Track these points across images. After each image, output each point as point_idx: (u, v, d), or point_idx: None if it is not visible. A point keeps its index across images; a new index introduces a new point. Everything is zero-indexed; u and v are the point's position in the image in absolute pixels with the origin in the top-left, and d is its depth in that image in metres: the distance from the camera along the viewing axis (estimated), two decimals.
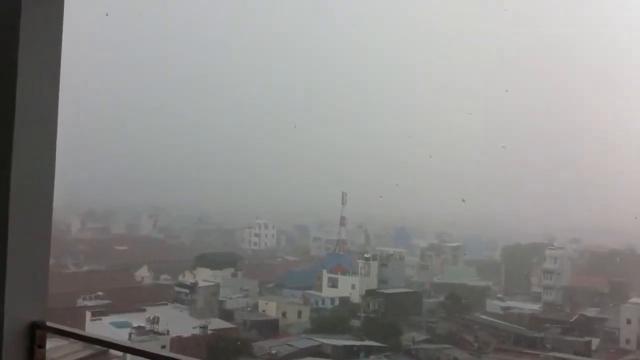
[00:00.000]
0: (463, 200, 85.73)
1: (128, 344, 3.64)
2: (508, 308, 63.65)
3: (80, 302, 53.77)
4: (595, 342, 52.70)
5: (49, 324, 3.96)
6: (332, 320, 56.31)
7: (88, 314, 47.68)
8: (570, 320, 58.27)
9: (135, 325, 45.78)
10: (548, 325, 56.20)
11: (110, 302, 53.23)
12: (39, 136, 4.12)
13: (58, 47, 4.25)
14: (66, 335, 3.94)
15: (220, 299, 59.43)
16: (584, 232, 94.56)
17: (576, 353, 49.65)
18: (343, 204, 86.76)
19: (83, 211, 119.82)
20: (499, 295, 72.21)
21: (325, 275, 70.28)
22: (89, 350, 29.62)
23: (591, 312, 61.79)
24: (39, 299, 4.08)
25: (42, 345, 3.93)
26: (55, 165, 4.24)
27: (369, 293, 64.61)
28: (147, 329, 45.43)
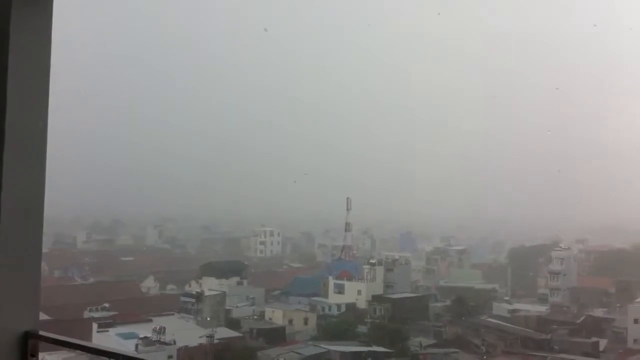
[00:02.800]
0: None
1: (117, 350, 3.70)
2: (515, 310, 63.49)
3: (87, 314, 53.83)
4: (603, 342, 52.48)
5: (41, 333, 4.01)
6: (338, 326, 56.18)
7: (95, 326, 47.70)
8: (578, 322, 58.09)
9: (141, 336, 45.73)
10: (555, 326, 56.04)
11: (116, 313, 53.22)
12: (29, 147, 4.18)
13: (47, 58, 4.30)
14: (58, 344, 3.99)
15: (226, 307, 59.42)
16: (589, 232, 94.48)
17: (584, 354, 49.41)
18: (348, 209, 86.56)
19: (88, 224, 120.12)
20: (505, 298, 72.06)
21: (332, 282, 70.22)
22: None
23: (598, 312, 61.62)
24: (31, 308, 4.14)
25: (34, 354, 3.98)
26: (45, 176, 4.29)
27: (375, 298, 64.52)
28: (153, 340, 45.36)
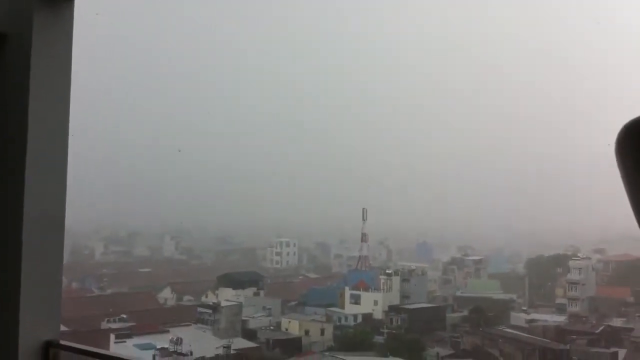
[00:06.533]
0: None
1: (136, 358, 3.78)
2: (533, 320, 63.08)
3: (105, 325, 54.11)
4: (622, 352, 52.03)
5: (62, 342, 4.11)
6: (355, 337, 56.12)
7: (112, 336, 47.97)
8: (596, 332, 57.58)
9: (159, 346, 45.95)
10: (574, 337, 55.61)
11: (134, 324, 53.49)
12: (51, 162, 4.27)
13: (68, 72, 4.40)
14: (78, 353, 4.09)
15: (242, 318, 59.46)
16: (607, 241, 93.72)
17: None
18: (364, 220, 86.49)
19: (106, 235, 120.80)
20: (523, 308, 71.59)
21: (348, 292, 70.09)
22: None
23: (617, 322, 61.08)
24: (53, 318, 4.25)
25: None
26: (66, 190, 4.39)
27: (392, 309, 64.37)
28: (170, 350, 45.58)
